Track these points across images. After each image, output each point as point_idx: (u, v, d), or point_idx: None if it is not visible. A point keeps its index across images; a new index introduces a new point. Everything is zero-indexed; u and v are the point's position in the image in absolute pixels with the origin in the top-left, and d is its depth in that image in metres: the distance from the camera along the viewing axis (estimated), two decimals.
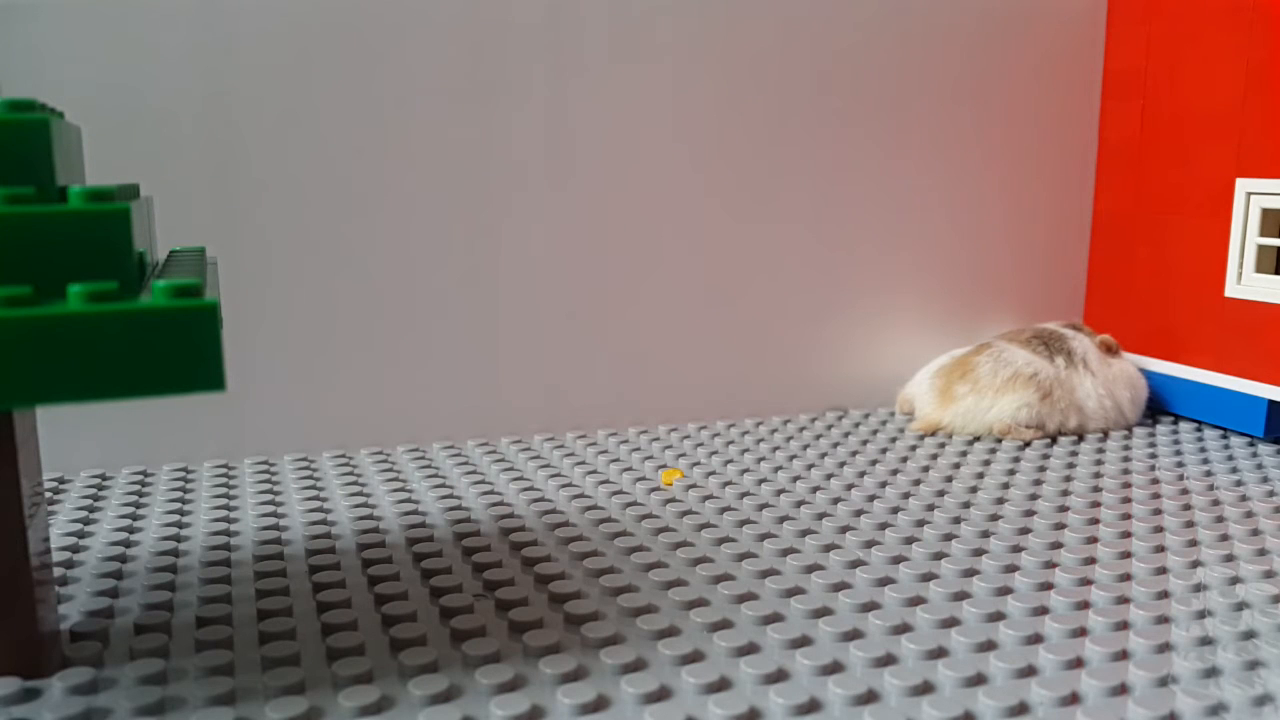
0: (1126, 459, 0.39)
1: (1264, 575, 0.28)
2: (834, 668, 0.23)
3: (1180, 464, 0.38)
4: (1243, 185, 0.40)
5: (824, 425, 0.44)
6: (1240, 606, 0.26)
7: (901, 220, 0.46)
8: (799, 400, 0.46)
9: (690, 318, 0.44)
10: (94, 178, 0.31)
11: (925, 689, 0.22)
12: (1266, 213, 0.40)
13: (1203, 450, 0.40)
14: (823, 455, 0.39)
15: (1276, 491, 0.35)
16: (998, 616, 0.25)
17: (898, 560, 0.29)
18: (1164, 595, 0.27)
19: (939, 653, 0.23)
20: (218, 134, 0.37)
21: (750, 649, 0.24)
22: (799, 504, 0.34)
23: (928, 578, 0.28)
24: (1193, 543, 0.30)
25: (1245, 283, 0.41)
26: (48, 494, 0.35)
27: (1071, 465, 0.38)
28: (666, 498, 0.34)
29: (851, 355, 0.46)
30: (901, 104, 0.45)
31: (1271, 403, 0.41)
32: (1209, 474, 0.37)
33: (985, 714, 0.21)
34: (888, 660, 0.23)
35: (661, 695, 0.22)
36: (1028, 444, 0.41)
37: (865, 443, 0.41)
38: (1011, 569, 0.28)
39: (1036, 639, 0.24)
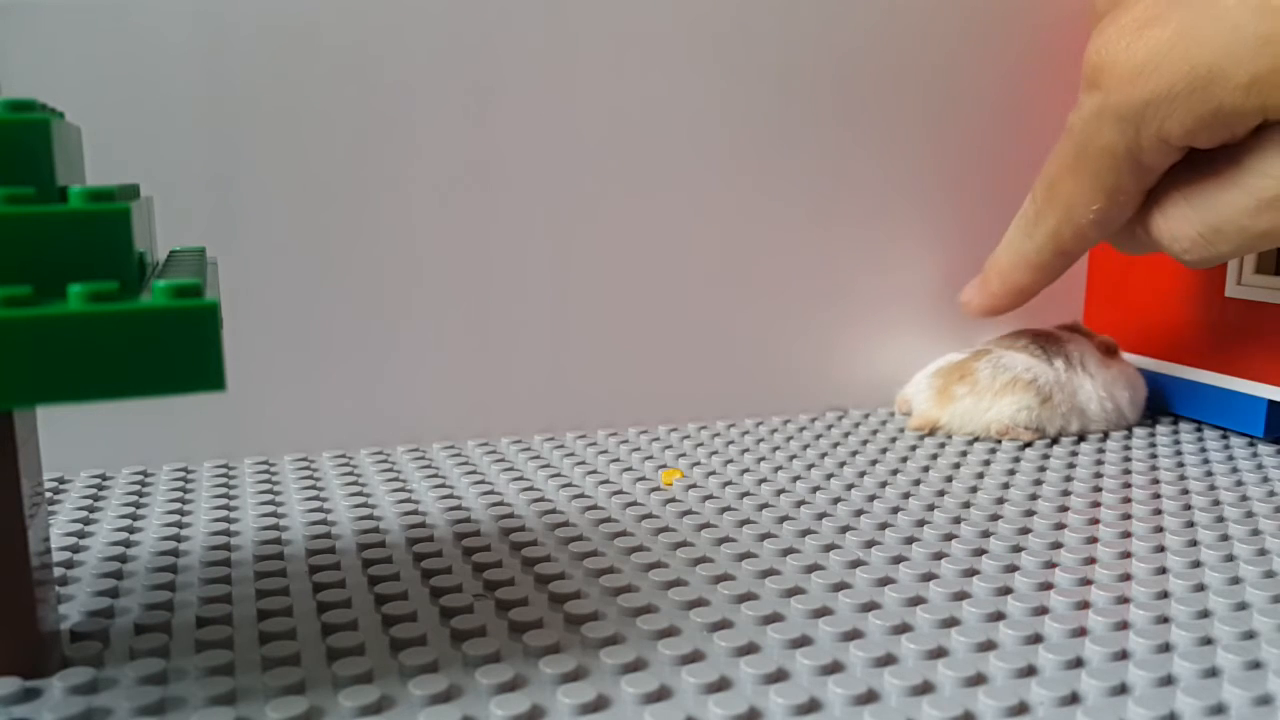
0: (1126, 459, 0.39)
1: (1264, 575, 0.28)
2: (834, 668, 0.23)
3: (1180, 464, 0.38)
4: None
5: (824, 425, 0.44)
6: (1241, 607, 0.26)
7: (902, 220, 0.46)
8: (799, 400, 0.46)
9: (690, 318, 0.44)
10: (94, 178, 0.31)
11: (925, 689, 0.22)
12: None
13: (1203, 450, 0.40)
14: (823, 455, 0.39)
15: (1276, 491, 0.35)
16: (998, 616, 0.25)
17: (898, 560, 0.29)
18: (1164, 595, 0.27)
19: (939, 653, 0.23)
20: (218, 134, 0.37)
21: (750, 649, 0.24)
22: (799, 504, 0.34)
23: (928, 578, 0.28)
24: (1193, 543, 0.30)
25: (1245, 283, 0.41)
26: (48, 494, 0.35)
27: (1071, 466, 0.38)
28: (666, 498, 0.34)
29: (851, 355, 0.46)
30: (901, 104, 0.45)
31: (1271, 403, 0.41)
32: (1209, 474, 0.37)
33: (985, 714, 0.21)
34: (888, 660, 0.23)
35: (661, 695, 0.22)
36: (1028, 444, 0.41)
37: (865, 443, 0.41)
38: (1011, 569, 0.28)
39: (1036, 639, 0.24)
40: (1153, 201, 0.33)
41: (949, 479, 0.36)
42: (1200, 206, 0.31)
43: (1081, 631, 0.25)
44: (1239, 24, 0.27)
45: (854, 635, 0.24)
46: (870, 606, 0.26)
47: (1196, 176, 0.31)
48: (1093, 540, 0.30)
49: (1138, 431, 0.43)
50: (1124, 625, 0.25)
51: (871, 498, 0.34)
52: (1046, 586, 0.27)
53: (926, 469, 0.38)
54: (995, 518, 0.32)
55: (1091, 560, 0.29)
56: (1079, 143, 0.33)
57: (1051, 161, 0.35)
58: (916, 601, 0.26)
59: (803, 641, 0.24)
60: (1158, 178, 0.32)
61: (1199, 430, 0.43)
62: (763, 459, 0.38)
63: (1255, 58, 0.27)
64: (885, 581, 0.27)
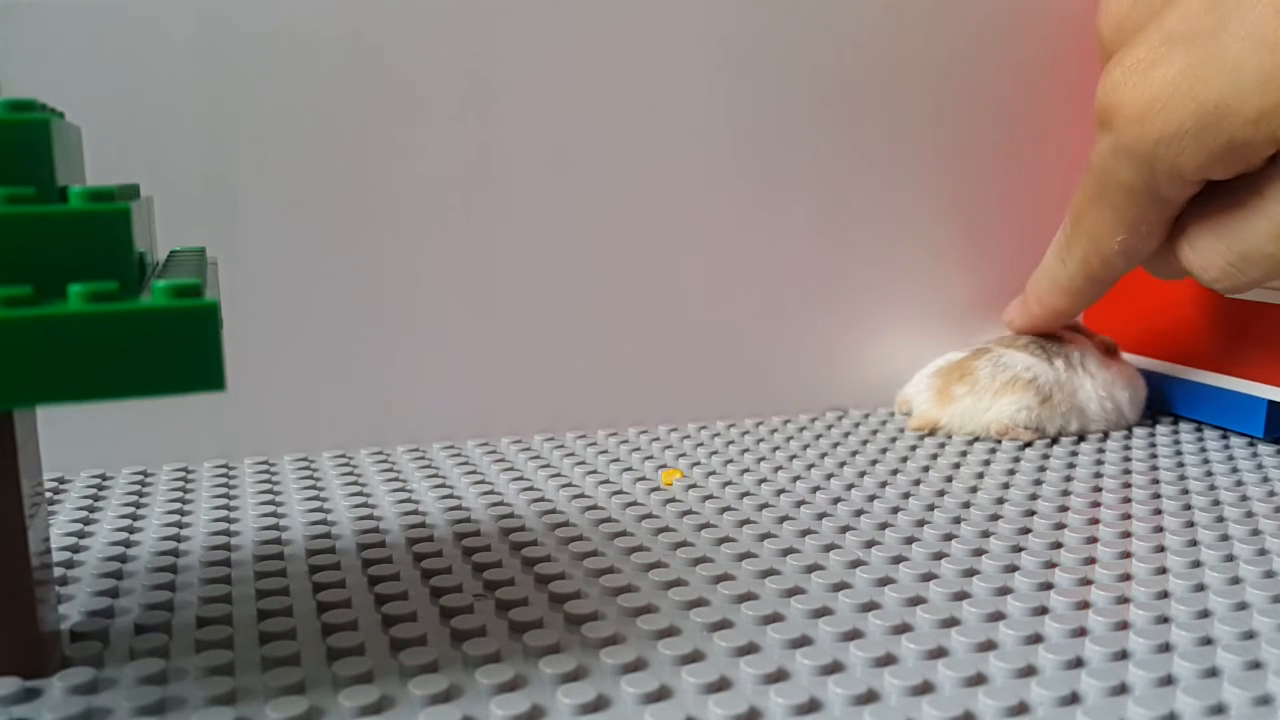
0: (1126, 459, 0.39)
1: (1264, 575, 0.28)
2: (834, 668, 0.23)
3: (1180, 464, 0.38)
4: None
5: (824, 425, 0.44)
6: (1241, 607, 0.26)
7: (902, 221, 0.46)
8: (799, 400, 0.46)
9: (690, 317, 0.44)
10: (94, 178, 0.31)
11: (925, 689, 0.22)
12: None
13: (1203, 450, 0.40)
14: (823, 455, 0.39)
15: (1276, 491, 0.35)
16: (998, 616, 0.25)
17: (898, 560, 0.29)
18: (1164, 595, 0.27)
19: (939, 653, 0.23)
20: (217, 134, 0.37)
21: (750, 649, 0.24)
22: (799, 504, 0.34)
23: (928, 578, 0.28)
24: (1193, 543, 0.30)
25: None
26: (48, 494, 0.35)
27: (1071, 465, 0.38)
28: (666, 498, 0.34)
29: (852, 355, 0.46)
30: (901, 105, 0.45)
31: (1271, 403, 0.41)
32: (1209, 474, 0.37)
33: (985, 714, 0.21)
34: (888, 660, 0.23)
35: (661, 695, 0.22)
36: (1028, 444, 0.41)
37: (865, 443, 0.41)
38: (1011, 569, 0.28)
39: (1036, 639, 0.24)
40: (1180, 233, 0.34)
41: (949, 479, 0.36)
42: (1226, 237, 0.32)
43: (1081, 631, 0.25)
44: (1240, 62, 0.28)
45: (854, 635, 0.24)
46: (870, 606, 0.26)
47: (1220, 208, 0.32)
48: (1093, 540, 0.30)
49: (1138, 431, 0.43)
50: (1124, 625, 0.25)
51: (871, 498, 0.34)
52: (1046, 586, 0.27)
53: (926, 469, 0.38)
54: (995, 518, 0.32)
55: (1091, 560, 0.29)
56: (1098, 178, 0.33)
57: (1077, 193, 0.36)
58: (916, 601, 0.26)
59: (803, 641, 0.24)
60: (1179, 208, 0.33)
61: (1199, 430, 0.43)
62: (763, 459, 0.38)
63: (1262, 92, 0.28)
64: (885, 581, 0.27)
